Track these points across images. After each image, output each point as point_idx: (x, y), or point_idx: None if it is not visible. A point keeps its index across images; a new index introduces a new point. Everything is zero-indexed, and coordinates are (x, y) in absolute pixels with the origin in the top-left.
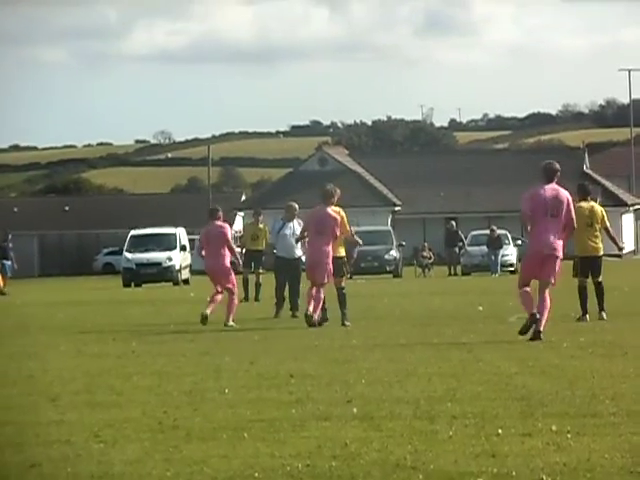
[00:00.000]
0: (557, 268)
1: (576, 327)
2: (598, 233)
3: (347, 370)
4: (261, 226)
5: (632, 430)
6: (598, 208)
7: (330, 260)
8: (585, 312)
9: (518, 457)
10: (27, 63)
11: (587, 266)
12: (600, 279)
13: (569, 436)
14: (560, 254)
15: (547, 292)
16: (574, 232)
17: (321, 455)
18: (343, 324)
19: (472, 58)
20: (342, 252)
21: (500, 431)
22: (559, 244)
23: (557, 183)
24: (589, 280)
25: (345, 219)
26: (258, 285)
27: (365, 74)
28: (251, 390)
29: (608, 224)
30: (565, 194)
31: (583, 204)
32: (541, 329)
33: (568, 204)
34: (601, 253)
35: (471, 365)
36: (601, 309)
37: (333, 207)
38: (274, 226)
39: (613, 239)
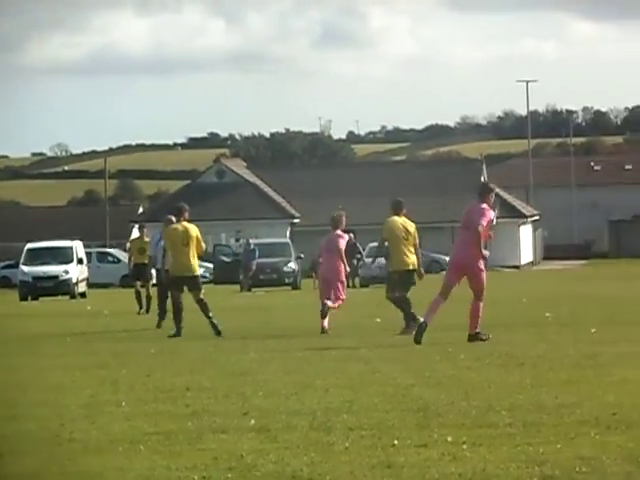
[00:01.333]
0: (478, 276)
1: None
2: (412, 247)
3: (244, 382)
4: (147, 239)
5: (528, 441)
6: (412, 223)
7: (342, 276)
8: (416, 321)
9: (414, 468)
10: None
11: (401, 279)
12: (406, 294)
13: (465, 447)
14: (471, 261)
15: (476, 300)
16: (392, 247)
17: (217, 467)
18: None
19: (369, 70)
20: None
21: (396, 442)
22: (471, 253)
23: (487, 201)
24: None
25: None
26: (148, 298)
27: (262, 86)
28: (147, 403)
29: (418, 241)
30: (483, 209)
31: (396, 219)
32: (471, 333)
33: (481, 217)
34: (413, 267)
35: (368, 377)
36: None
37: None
38: (154, 238)
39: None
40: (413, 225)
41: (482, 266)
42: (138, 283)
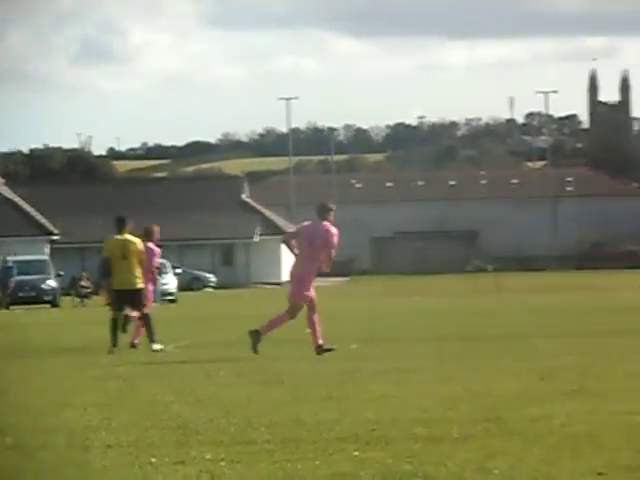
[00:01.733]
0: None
1: (233, 354)
2: (136, 267)
3: (1, 401)
4: None
5: (286, 457)
6: (135, 240)
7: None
8: (115, 344)
9: None
10: None
11: (124, 299)
12: (145, 311)
13: (223, 464)
14: (306, 277)
15: (312, 313)
16: (113, 266)
17: None
18: None
19: (130, 86)
20: None
21: (154, 460)
22: (309, 269)
23: (329, 219)
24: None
25: None
26: None
27: (20, 102)
28: None
29: (142, 257)
30: (331, 231)
31: (117, 237)
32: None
33: (332, 237)
34: (140, 286)
35: (127, 394)
36: (152, 341)
37: None
38: None
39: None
40: (137, 242)
41: (310, 283)
42: None
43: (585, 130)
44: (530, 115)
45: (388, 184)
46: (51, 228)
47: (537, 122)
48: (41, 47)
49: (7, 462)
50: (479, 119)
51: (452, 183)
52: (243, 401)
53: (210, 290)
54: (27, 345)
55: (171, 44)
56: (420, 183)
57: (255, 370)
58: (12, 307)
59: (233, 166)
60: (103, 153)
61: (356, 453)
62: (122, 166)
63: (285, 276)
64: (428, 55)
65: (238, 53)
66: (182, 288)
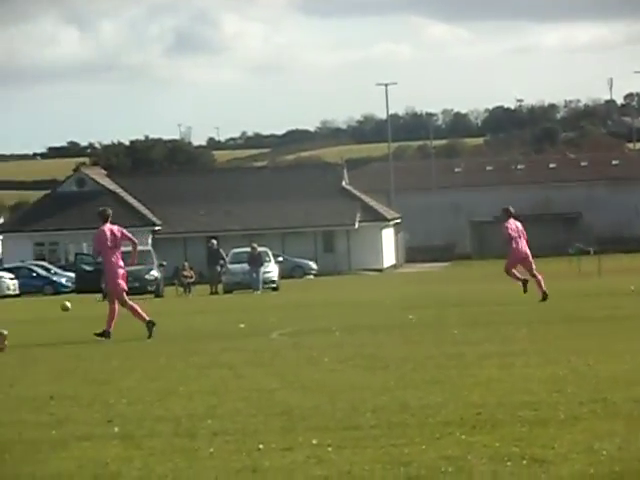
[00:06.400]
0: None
1: (337, 341)
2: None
3: (107, 390)
4: None
5: (392, 442)
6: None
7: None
8: None
9: (279, 471)
10: None
11: None
12: None
13: (330, 449)
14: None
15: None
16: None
17: (82, 475)
18: None
19: (226, 76)
20: None
21: (261, 446)
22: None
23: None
24: None
25: None
26: None
27: (119, 94)
28: (11, 412)
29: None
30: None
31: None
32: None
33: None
34: None
35: (232, 382)
36: None
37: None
38: None
39: None
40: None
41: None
42: None
43: None
44: (629, 96)
45: (488, 168)
46: (153, 219)
47: (636, 103)
48: (136, 38)
49: (115, 450)
50: (578, 101)
51: (552, 166)
52: (347, 387)
53: (311, 277)
54: (131, 335)
55: (265, 33)
56: (520, 167)
57: (358, 356)
58: None
59: (332, 154)
60: (203, 143)
61: (463, 437)
62: (222, 156)
63: (387, 262)
64: (520, 39)
65: (332, 40)
66: (284, 276)
